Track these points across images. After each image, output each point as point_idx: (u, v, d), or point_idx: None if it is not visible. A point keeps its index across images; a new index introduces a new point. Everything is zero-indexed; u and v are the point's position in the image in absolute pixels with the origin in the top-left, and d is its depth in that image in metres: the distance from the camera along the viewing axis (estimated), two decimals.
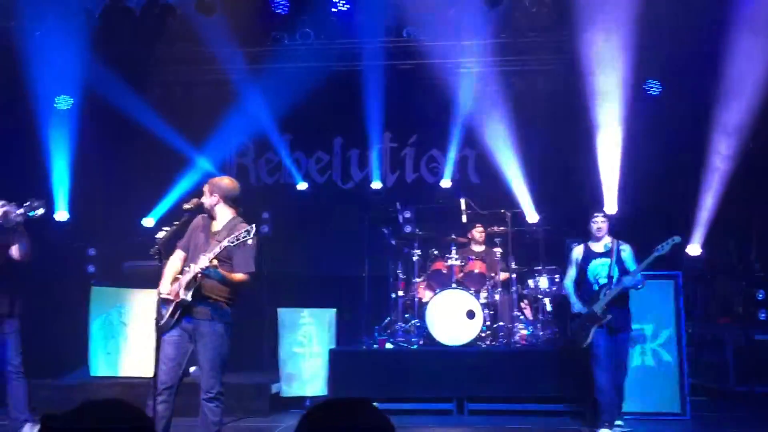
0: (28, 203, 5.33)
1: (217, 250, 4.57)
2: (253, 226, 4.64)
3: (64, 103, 9.00)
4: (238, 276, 4.72)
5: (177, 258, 4.88)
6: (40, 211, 5.38)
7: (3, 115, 8.16)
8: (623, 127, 8.59)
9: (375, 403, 6.15)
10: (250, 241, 4.59)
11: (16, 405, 5.71)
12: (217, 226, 4.88)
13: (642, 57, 8.49)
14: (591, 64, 8.71)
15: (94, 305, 7.90)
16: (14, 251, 5.48)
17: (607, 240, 6.45)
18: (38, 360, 6.28)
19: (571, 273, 6.56)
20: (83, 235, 9.02)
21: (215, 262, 4.59)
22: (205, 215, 4.93)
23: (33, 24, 7.65)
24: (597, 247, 6.45)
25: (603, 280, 6.28)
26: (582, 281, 6.45)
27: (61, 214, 8.71)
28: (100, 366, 7.74)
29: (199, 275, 4.58)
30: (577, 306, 6.37)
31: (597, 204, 6.77)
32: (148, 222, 9.28)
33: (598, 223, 6.43)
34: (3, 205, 5.21)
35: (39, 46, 8.00)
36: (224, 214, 4.88)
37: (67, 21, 8.09)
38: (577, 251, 6.57)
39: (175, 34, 9.17)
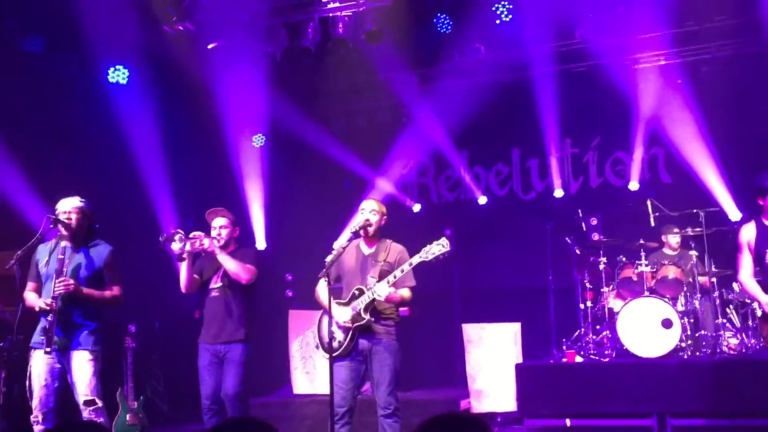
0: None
1: (406, 267, 4.68)
2: (445, 238, 4.67)
3: (258, 141, 9.78)
4: (406, 293, 4.82)
5: (323, 287, 4.92)
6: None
7: (205, 156, 9.00)
8: None
9: (567, 420, 5.90)
10: (447, 255, 4.62)
11: None
12: (368, 248, 4.99)
13: None
14: None
15: (292, 327, 8.42)
16: (232, 273, 5.39)
17: None
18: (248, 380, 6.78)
19: (746, 262, 5.11)
20: (281, 262, 9.67)
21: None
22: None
23: (223, 71, 8.37)
24: None
25: None
26: (762, 269, 5.06)
27: (260, 244, 9.41)
28: (300, 384, 8.21)
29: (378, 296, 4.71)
30: None
31: None
32: (338, 245, 9.74)
33: None
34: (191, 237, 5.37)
35: (231, 89, 8.75)
36: (377, 235, 5.00)
37: (253, 66, 8.78)
38: (747, 231, 5.14)
39: (351, 66, 9.58)
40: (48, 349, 4.78)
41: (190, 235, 5.34)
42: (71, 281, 4.83)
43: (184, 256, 5.33)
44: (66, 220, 4.94)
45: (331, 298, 4.80)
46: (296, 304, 9.24)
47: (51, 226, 4.89)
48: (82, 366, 4.86)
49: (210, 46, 8.22)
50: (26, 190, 7.14)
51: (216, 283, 5.51)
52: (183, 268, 5.42)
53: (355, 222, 5.00)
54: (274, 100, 9.09)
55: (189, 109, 8.63)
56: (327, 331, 4.80)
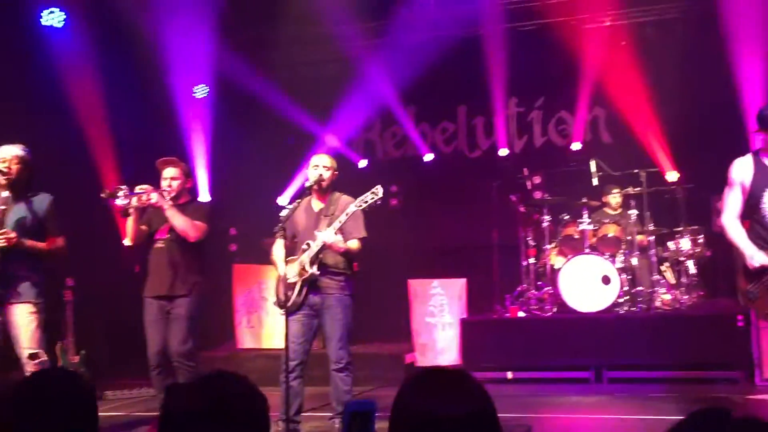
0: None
1: (343, 218, 4.68)
2: (379, 187, 4.71)
3: (201, 91, 9.52)
4: (354, 244, 4.82)
5: (279, 246, 4.95)
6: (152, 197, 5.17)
7: (145, 106, 8.70)
8: None
9: (509, 373, 6.11)
10: (380, 202, 4.68)
11: None
12: (319, 203, 4.98)
13: None
14: (735, 6, 8.06)
15: (237, 282, 8.35)
16: (180, 230, 5.18)
17: None
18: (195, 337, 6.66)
19: (734, 203, 4.27)
20: (225, 216, 9.51)
21: (339, 235, 4.72)
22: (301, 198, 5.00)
23: (166, 16, 8.07)
24: None
25: None
26: (754, 214, 4.23)
27: (204, 197, 9.22)
28: (245, 339, 8.19)
29: (326, 246, 4.70)
30: (759, 257, 4.11)
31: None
32: (284, 200, 9.66)
33: None
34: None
35: (173, 37, 8.45)
36: (328, 190, 4.99)
37: (197, 12, 8.49)
38: (743, 167, 4.27)
39: (298, 16, 9.36)
40: None
41: (136, 189, 5.13)
42: (12, 233, 4.64)
43: (130, 211, 5.12)
44: (5, 170, 4.72)
45: (280, 255, 4.91)
46: (240, 259, 9.17)
47: None
48: (25, 318, 4.71)
49: None
50: None
51: (163, 235, 5.27)
52: (129, 222, 5.20)
53: (309, 178, 4.96)
54: (219, 49, 8.83)
55: (130, 56, 8.29)
56: (282, 286, 4.79)
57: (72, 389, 1.77)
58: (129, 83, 8.42)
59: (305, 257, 4.79)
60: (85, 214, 7.61)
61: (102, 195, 5.14)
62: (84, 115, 7.92)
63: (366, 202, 4.69)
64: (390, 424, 1.53)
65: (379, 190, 4.70)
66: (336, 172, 5.03)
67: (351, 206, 4.72)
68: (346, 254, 4.85)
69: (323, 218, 4.85)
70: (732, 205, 4.29)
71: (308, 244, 4.81)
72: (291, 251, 4.96)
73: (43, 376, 1.86)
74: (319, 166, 4.94)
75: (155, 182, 5.44)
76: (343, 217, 4.70)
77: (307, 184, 4.89)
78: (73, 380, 1.82)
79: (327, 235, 4.67)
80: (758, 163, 4.24)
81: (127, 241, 5.41)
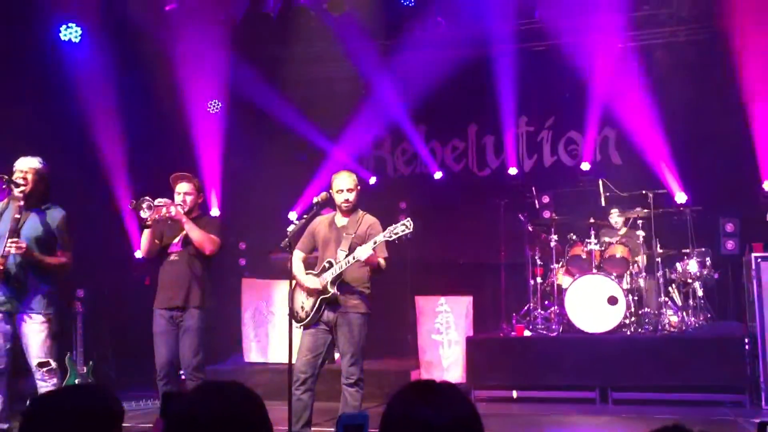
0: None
1: (371, 244, 4.72)
2: (409, 219, 4.76)
3: (214, 107, 9.63)
4: (382, 262, 4.89)
5: (298, 258, 5.03)
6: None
7: (160, 118, 8.82)
8: None
9: (514, 392, 6.09)
10: (410, 236, 4.70)
11: None
12: (342, 220, 5.05)
13: None
14: (743, 30, 8.10)
15: (245, 296, 8.41)
16: (197, 243, 5.25)
17: None
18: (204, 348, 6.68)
19: None
20: (235, 231, 9.58)
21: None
22: (323, 213, 5.07)
23: (180, 33, 8.20)
24: None
25: None
26: None
27: (214, 211, 9.30)
28: (251, 353, 8.24)
29: (351, 264, 4.77)
30: None
31: None
32: (294, 215, 9.73)
33: None
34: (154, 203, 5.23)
35: (188, 52, 8.58)
36: (353, 210, 5.06)
37: (212, 29, 8.62)
38: None
39: (312, 34, 9.50)
40: None
41: (156, 202, 5.22)
42: (23, 243, 4.71)
43: (149, 222, 5.21)
44: (22, 181, 4.81)
45: (301, 267, 5.00)
46: (248, 273, 9.23)
47: (3, 186, 4.76)
48: (35, 329, 4.76)
49: (168, 8, 8.05)
50: None
51: (176, 248, 5.37)
52: (145, 235, 5.30)
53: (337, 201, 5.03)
54: (232, 65, 8.96)
55: (144, 71, 8.42)
56: (298, 299, 4.91)
57: (100, 407, 1.81)
58: (144, 96, 8.55)
59: (328, 276, 4.85)
60: (97, 227, 7.72)
61: (130, 205, 5.26)
62: (98, 128, 8.03)
63: (396, 233, 4.71)
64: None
65: (410, 223, 4.72)
66: (359, 188, 5.08)
67: (380, 236, 4.75)
68: (373, 272, 4.91)
69: (345, 236, 4.91)
70: None
71: (330, 263, 4.87)
72: (310, 264, 5.06)
73: (73, 391, 1.90)
74: (343, 191, 4.97)
75: (166, 196, 5.53)
76: (370, 244, 4.71)
77: (315, 200, 4.96)
78: (104, 397, 1.85)
79: (364, 251, 4.70)
80: None
81: (139, 254, 5.49)
